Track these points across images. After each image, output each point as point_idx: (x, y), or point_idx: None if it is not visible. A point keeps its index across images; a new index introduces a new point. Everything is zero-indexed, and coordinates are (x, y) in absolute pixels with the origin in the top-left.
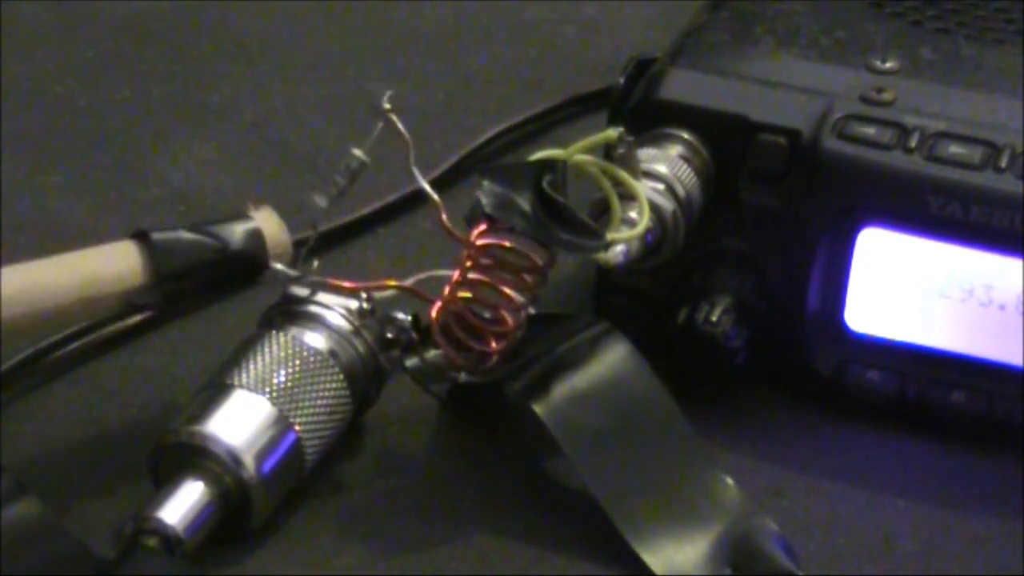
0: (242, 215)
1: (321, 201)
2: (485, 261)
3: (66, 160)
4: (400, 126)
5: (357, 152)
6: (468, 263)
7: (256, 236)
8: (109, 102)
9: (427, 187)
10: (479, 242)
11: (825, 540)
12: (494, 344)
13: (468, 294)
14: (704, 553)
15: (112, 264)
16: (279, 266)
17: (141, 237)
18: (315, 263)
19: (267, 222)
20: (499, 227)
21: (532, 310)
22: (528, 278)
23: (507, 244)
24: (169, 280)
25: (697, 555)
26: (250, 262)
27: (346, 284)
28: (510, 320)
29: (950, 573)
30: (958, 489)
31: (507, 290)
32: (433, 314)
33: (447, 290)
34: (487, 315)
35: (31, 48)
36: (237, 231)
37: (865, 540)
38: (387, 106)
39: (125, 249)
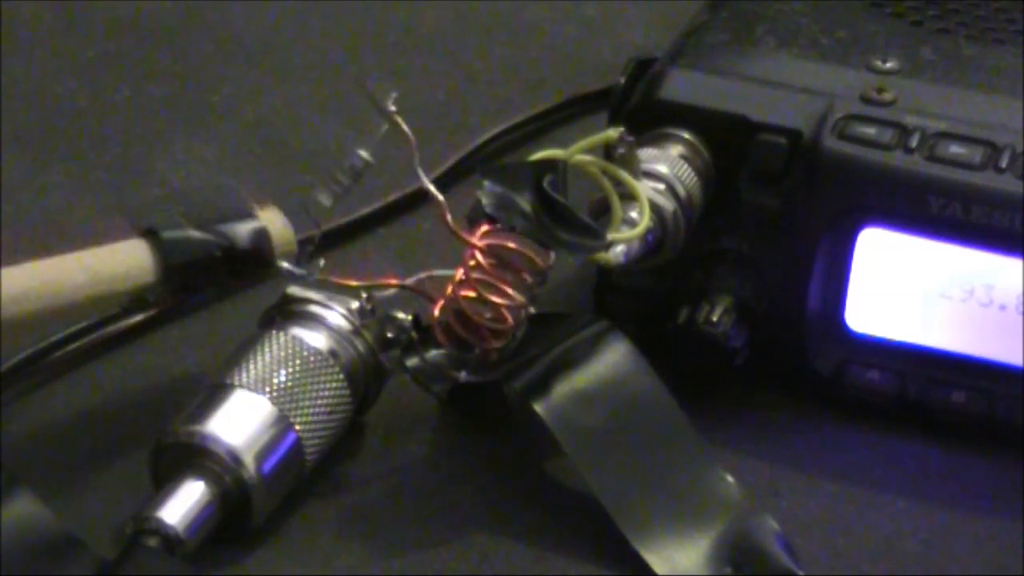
0: (248, 213)
1: (325, 200)
2: (487, 261)
3: (66, 160)
4: (405, 127)
5: (363, 153)
6: (471, 262)
7: (262, 234)
8: (109, 102)
9: (431, 187)
10: (482, 242)
11: (825, 540)
12: (494, 342)
13: (471, 293)
14: (705, 552)
15: (122, 261)
16: (285, 264)
17: (150, 234)
18: (321, 262)
19: (273, 221)
20: (501, 227)
21: (532, 309)
22: (528, 278)
23: (510, 244)
24: (177, 277)
25: (698, 554)
26: (256, 260)
27: (351, 282)
28: (510, 319)
29: (950, 573)
30: (958, 489)
31: (508, 289)
32: (435, 312)
33: (449, 288)
34: (488, 314)
35: (31, 48)
36: (243, 229)
37: (865, 540)
38: (392, 108)
39: (134, 247)
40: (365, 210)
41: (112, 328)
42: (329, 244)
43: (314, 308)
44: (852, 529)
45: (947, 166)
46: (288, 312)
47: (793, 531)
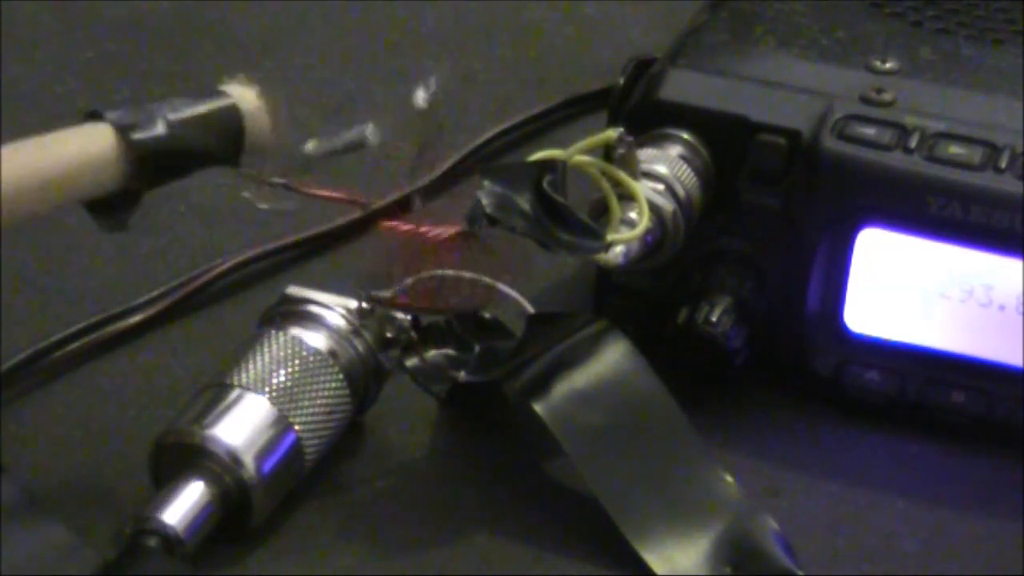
0: (216, 92)
1: (310, 148)
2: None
3: None
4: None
5: (369, 130)
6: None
7: (233, 111)
8: (109, 102)
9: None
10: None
11: (825, 540)
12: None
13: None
14: (705, 552)
15: (81, 141)
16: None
17: (98, 117)
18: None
19: (245, 98)
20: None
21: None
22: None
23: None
24: (142, 160)
25: (698, 554)
26: (228, 139)
27: (334, 193)
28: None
29: (950, 573)
30: (958, 489)
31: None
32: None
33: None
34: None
35: (31, 48)
36: (212, 106)
37: (865, 540)
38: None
39: (93, 129)
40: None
41: (112, 328)
42: (327, 245)
43: (313, 308)
44: (852, 529)
45: (947, 166)
46: (288, 312)
47: (793, 531)
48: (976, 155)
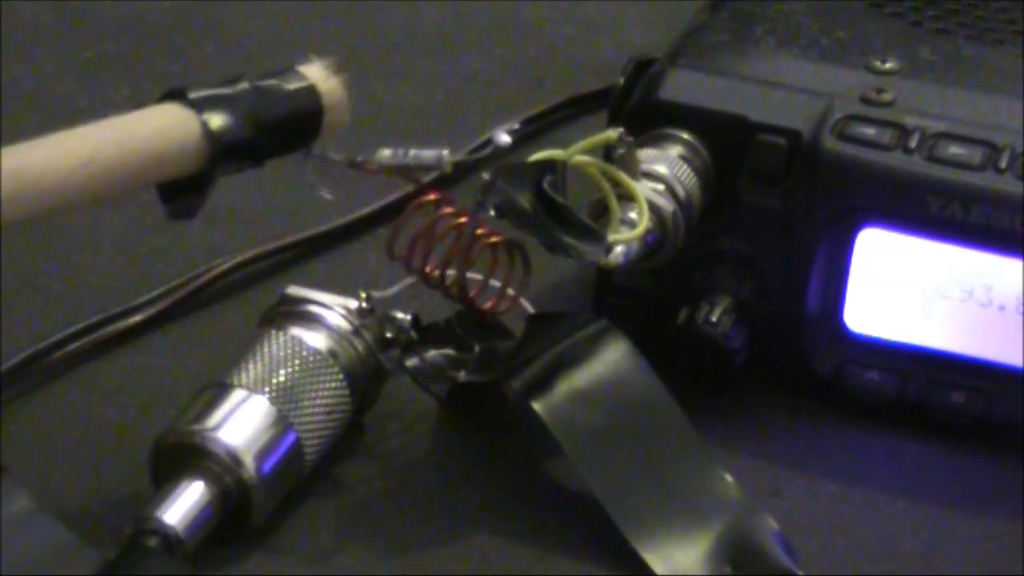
0: (295, 72)
1: (385, 155)
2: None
3: None
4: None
5: (444, 156)
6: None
7: (311, 92)
8: (109, 102)
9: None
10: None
11: (825, 540)
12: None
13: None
14: (704, 552)
15: (157, 124)
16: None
17: (180, 96)
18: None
19: (321, 78)
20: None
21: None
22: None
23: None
24: (219, 142)
25: (697, 554)
26: (306, 121)
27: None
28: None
29: (950, 573)
30: (958, 489)
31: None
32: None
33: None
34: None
35: (31, 48)
36: (288, 86)
37: (865, 540)
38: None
39: (168, 110)
40: (364, 210)
41: (112, 328)
42: (327, 245)
43: (313, 308)
44: (852, 529)
45: (946, 166)
46: (288, 312)
47: (793, 531)
48: (976, 155)
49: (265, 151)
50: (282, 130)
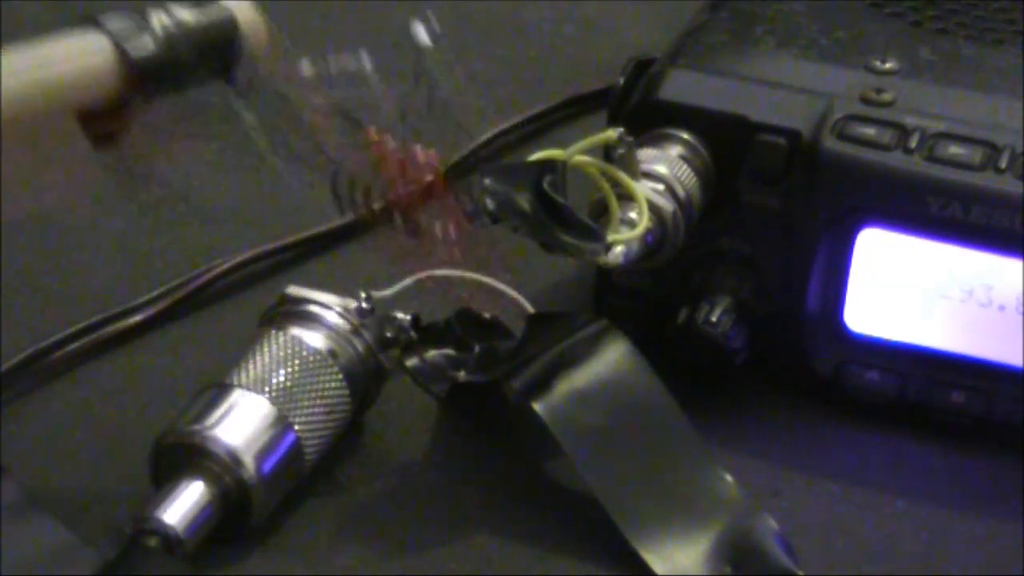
0: (213, 3)
1: (305, 66)
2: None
3: None
4: None
5: (364, 59)
6: None
7: (228, 18)
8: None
9: None
10: None
11: (825, 540)
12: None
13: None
14: (704, 551)
15: (73, 49)
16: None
17: (93, 23)
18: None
19: (242, 11)
20: None
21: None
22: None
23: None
24: (139, 73)
25: (698, 553)
26: (221, 48)
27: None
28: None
29: (950, 573)
30: (958, 489)
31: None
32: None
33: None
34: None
35: None
36: (205, 11)
37: (865, 540)
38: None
39: (84, 36)
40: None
41: (112, 328)
42: (327, 245)
43: (313, 308)
44: (852, 529)
45: (946, 166)
46: (287, 312)
47: (793, 531)
48: (976, 155)
49: (183, 75)
50: (198, 52)
